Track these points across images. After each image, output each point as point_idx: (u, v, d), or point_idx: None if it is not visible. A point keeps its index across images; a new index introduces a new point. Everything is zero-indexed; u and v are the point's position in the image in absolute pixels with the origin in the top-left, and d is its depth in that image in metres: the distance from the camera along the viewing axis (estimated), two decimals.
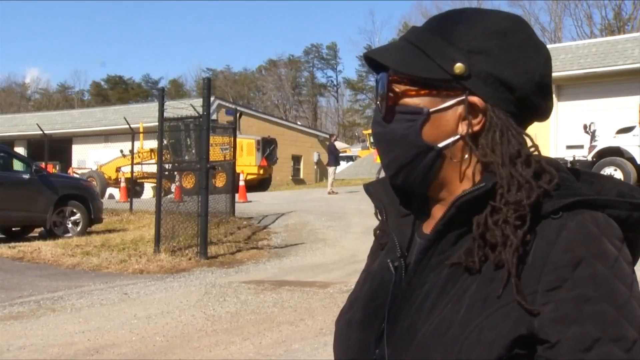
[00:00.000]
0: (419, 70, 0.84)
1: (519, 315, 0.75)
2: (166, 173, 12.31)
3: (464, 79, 0.83)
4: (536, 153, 0.83)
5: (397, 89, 0.87)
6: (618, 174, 13.41)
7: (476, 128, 0.84)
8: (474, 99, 0.84)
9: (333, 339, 0.97)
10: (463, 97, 0.84)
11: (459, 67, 0.83)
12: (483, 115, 0.84)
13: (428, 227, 0.91)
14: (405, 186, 0.90)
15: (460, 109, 0.84)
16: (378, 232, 1.01)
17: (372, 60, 0.89)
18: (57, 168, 23.02)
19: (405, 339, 0.82)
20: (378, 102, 0.89)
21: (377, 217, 0.99)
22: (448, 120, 0.85)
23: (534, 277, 0.76)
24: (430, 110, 0.85)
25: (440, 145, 0.85)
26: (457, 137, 0.85)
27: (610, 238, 0.76)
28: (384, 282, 0.90)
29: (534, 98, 0.85)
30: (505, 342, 0.75)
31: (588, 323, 0.73)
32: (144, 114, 27.86)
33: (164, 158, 10.95)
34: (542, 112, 0.88)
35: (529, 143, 0.84)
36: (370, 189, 0.98)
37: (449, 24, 0.87)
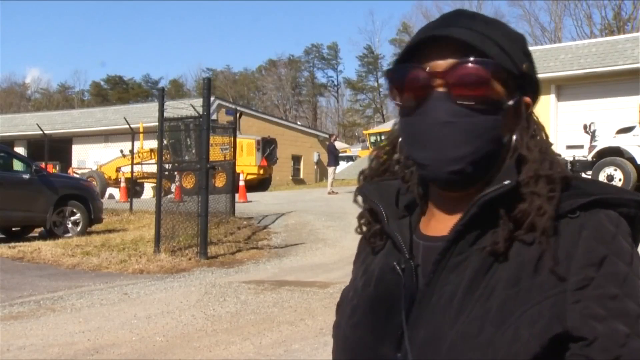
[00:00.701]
0: (505, 63, 0.84)
1: (553, 313, 0.77)
2: (166, 173, 12.30)
3: (524, 79, 0.87)
4: None
5: (488, 78, 0.84)
6: (618, 174, 13.42)
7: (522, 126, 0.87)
8: (527, 99, 0.88)
9: (334, 346, 0.95)
10: (519, 96, 0.86)
11: (526, 66, 0.86)
12: (527, 115, 0.88)
13: (428, 228, 0.91)
14: (460, 183, 0.85)
15: (516, 107, 0.87)
16: (370, 236, 0.98)
17: (415, 48, 0.86)
18: (57, 168, 23.00)
19: (433, 342, 0.81)
20: (446, 90, 0.83)
21: (361, 224, 0.98)
22: (510, 116, 0.87)
23: (561, 276, 0.78)
24: (508, 104, 0.86)
25: (505, 140, 0.86)
26: (514, 134, 0.87)
27: (624, 236, 0.80)
28: (389, 285, 0.88)
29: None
30: (542, 341, 0.76)
31: (617, 320, 0.75)
32: (144, 114, 27.84)
33: (164, 158, 10.95)
34: None
35: None
36: (365, 192, 0.96)
37: (497, 22, 0.89)
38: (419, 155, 0.85)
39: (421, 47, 0.85)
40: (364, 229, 0.99)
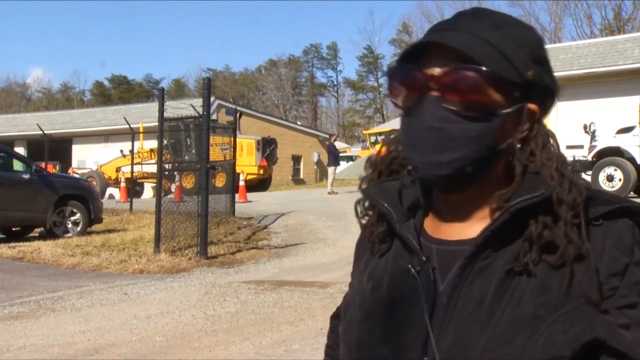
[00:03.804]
0: (503, 71, 0.83)
1: (585, 320, 0.77)
2: (166, 173, 12.30)
3: (530, 86, 0.85)
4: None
5: (481, 86, 0.83)
6: (618, 174, 13.40)
7: (525, 134, 0.85)
8: (533, 107, 0.86)
9: (344, 350, 0.93)
10: (522, 103, 0.85)
11: (532, 73, 0.84)
12: (533, 123, 0.86)
13: (439, 232, 0.90)
14: (452, 186, 0.86)
15: (516, 114, 0.85)
16: (374, 239, 0.96)
17: (413, 52, 0.86)
18: (57, 168, 23.03)
19: (464, 346, 0.80)
20: (439, 94, 0.84)
21: (362, 223, 0.98)
22: (509, 123, 0.85)
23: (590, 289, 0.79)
24: (504, 112, 0.84)
25: (501, 147, 0.85)
26: (512, 141, 0.85)
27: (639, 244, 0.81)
28: (404, 288, 0.87)
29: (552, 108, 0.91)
30: (574, 347, 0.76)
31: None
32: (144, 114, 27.85)
33: (164, 158, 10.95)
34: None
35: None
36: (371, 194, 0.95)
37: (509, 25, 0.87)
38: (410, 155, 0.87)
39: (424, 48, 0.85)
40: (369, 230, 0.98)
